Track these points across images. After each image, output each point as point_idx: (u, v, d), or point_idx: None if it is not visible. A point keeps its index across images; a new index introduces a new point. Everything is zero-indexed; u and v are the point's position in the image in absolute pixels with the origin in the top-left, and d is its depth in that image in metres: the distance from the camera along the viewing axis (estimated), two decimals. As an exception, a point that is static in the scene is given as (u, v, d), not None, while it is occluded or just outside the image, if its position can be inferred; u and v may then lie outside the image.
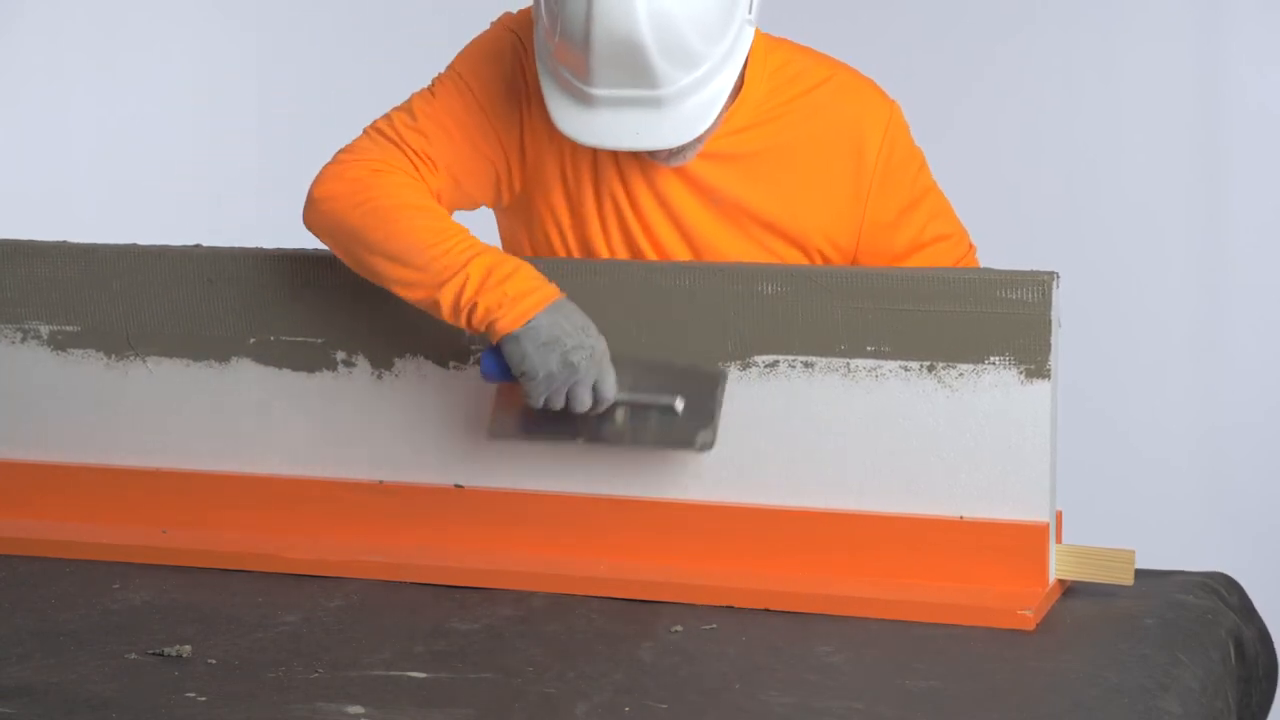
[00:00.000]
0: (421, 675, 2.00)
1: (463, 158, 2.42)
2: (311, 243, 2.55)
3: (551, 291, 2.28)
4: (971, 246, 2.54)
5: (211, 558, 2.39)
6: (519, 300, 2.27)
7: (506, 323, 2.26)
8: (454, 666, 2.03)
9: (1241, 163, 4.11)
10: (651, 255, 2.44)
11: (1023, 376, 2.21)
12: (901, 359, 2.25)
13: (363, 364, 2.41)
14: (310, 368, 2.43)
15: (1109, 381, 4.12)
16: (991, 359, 2.22)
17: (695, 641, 2.11)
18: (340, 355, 2.42)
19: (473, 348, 2.38)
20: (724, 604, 2.23)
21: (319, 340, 2.42)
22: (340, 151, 2.40)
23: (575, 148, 2.43)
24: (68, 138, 4.49)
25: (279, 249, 2.45)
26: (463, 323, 2.29)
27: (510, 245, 2.56)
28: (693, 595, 2.25)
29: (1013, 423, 2.22)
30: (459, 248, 2.30)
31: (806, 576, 2.26)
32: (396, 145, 2.38)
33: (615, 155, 2.43)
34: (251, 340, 2.44)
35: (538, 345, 2.26)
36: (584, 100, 2.31)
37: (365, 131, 2.42)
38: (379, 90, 4.62)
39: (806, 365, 2.28)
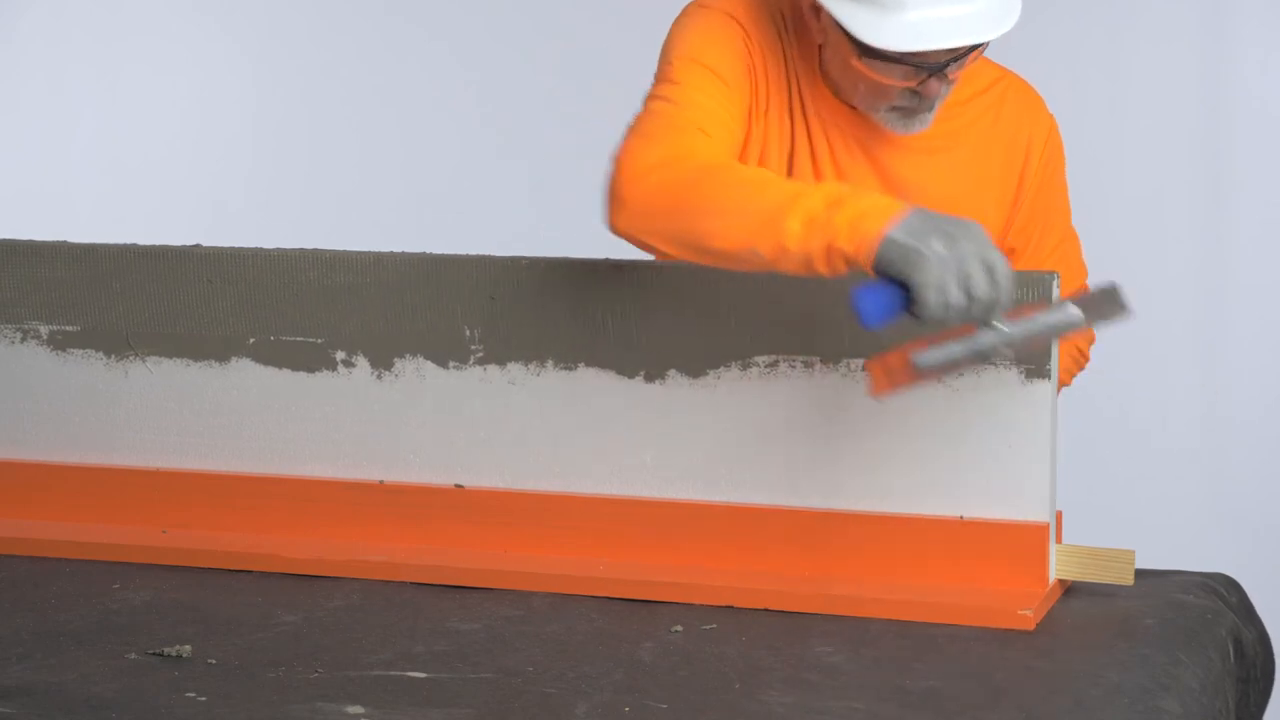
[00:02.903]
0: (421, 675, 2.00)
1: (726, 129, 2.33)
2: (311, 242, 2.55)
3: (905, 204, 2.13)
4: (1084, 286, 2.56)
5: (211, 558, 2.39)
6: (878, 207, 2.09)
7: (875, 223, 2.06)
8: (454, 666, 2.03)
9: (1244, 162, 4.11)
10: None
11: (1023, 376, 2.21)
12: (901, 359, 2.25)
13: (363, 364, 2.41)
14: (310, 368, 2.43)
15: (1109, 381, 4.11)
16: (992, 358, 2.22)
17: (695, 641, 2.11)
18: (340, 355, 2.42)
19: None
20: (724, 604, 2.23)
21: (319, 340, 2.42)
22: (619, 152, 2.25)
23: (773, 130, 2.42)
24: (68, 138, 4.49)
25: (279, 249, 2.45)
26: (818, 246, 2.09)
27: None
28: (693, 595, 2.25)
29: (1013, 423, 2.22)
30: (793, 185, 2.16)
31: (806, 576, 2.26)
32: (674, 126, 2.27)
33: (810, 143, 2.44)
34: (251, 340, 2.44)
35: (915, 234, 2.05)
36: (891, 6, 2.27)
37: (632, 129, 2.28)
38: (377, 92, 4.64)
39: (806, 365, 2.28)
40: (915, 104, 2.39)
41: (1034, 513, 2.22)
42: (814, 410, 2.27)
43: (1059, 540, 2.25)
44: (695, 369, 2.31)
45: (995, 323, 2.09)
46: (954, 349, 2.11)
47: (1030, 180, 2.51)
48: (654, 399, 2.32)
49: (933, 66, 2.33)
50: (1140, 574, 2.27)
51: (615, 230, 2.24)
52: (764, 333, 2.28)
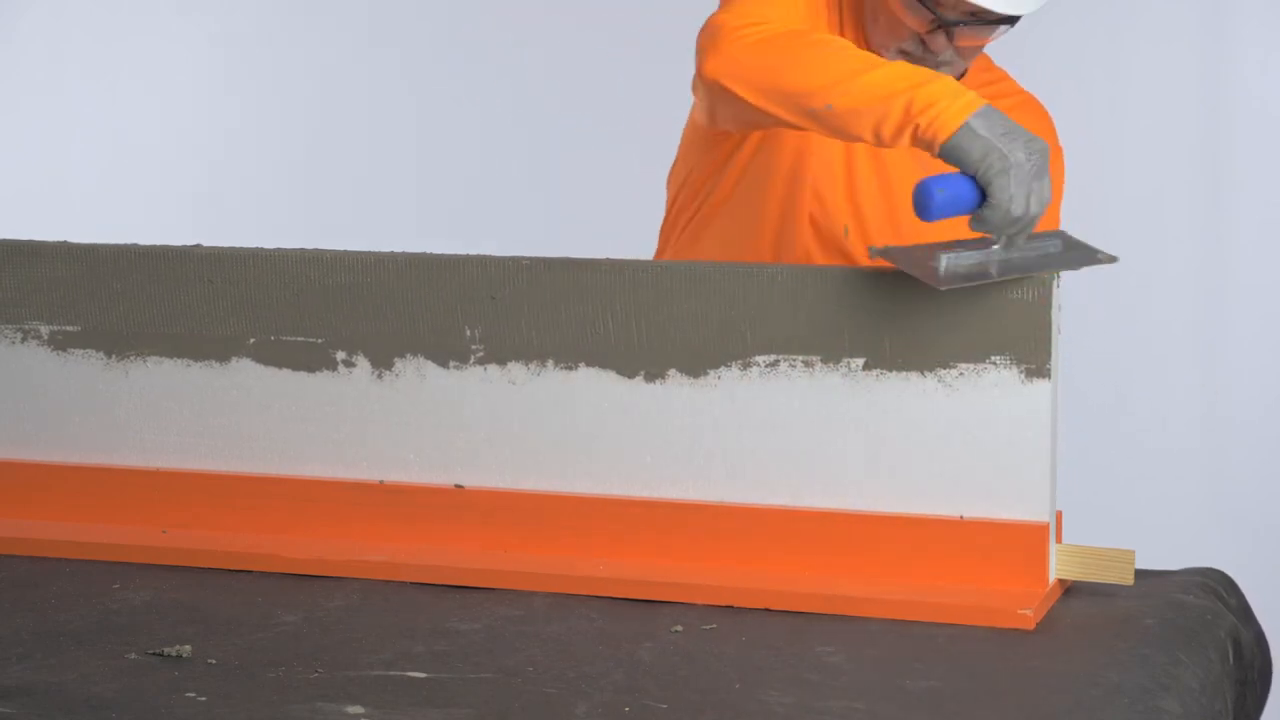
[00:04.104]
0: (421, 675, 2.00)
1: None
2: (311, 242, 2.55)
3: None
4: None
5: (211, 558, 2.39)
6: (961, 93, 2.15)
7: (958, 109, 2.12)
8: (454, 666, 2.03)
9: (1244, 162, 4.11)
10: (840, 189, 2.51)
11: (1023, 376, 2.21)
12: (902, 358, 2.24)
13: (363, 364, 2.41)
14: (310, 368, 2.43)
15: (1110, 381, 4.12)
16: (992, 359, 2.22)
17: (695, 641, 2.11)
18: (340, 355, 2.42)
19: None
20: (724, 604, 2.23)
21: (319, 340, 2.42)
22: (716, 13, 2.35)
23: None
24: (68, 138, 4.50)
25: (279, 249, 2.45)
26: (897, 110, 2.15)
27: (687, 177, 2.61)
28: (693, 595, 2.25)
29: (1013, 423, 2.22)
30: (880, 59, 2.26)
31: (806, 576, 2.26)
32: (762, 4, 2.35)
33: None
34: (251, 340, 2.44)
35: (998, 133, 2.10)
36: None
37: (712, 26, 2.33)
38: (377, 92, 4.64)
39: (806, 365, 2.28)
40: (920, 54, 2.43)
41: (1034, 513, 2.22)
42: (814, 410, 2.27)
43: (1059, 540, 2.25)
44: (695, 369, 2.31)
45: (1016, 239, 2.13)
46: (976, 263, 2.13)
47: None
48: (654, 399, 2.32)
49: (946, 19, 2.37)
50: (1140, 574, 2.27)
51: (705, 74, 2.31)
52: (764, 333, 2.28)
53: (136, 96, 4.52)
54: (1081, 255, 2.20)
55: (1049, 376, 2.21)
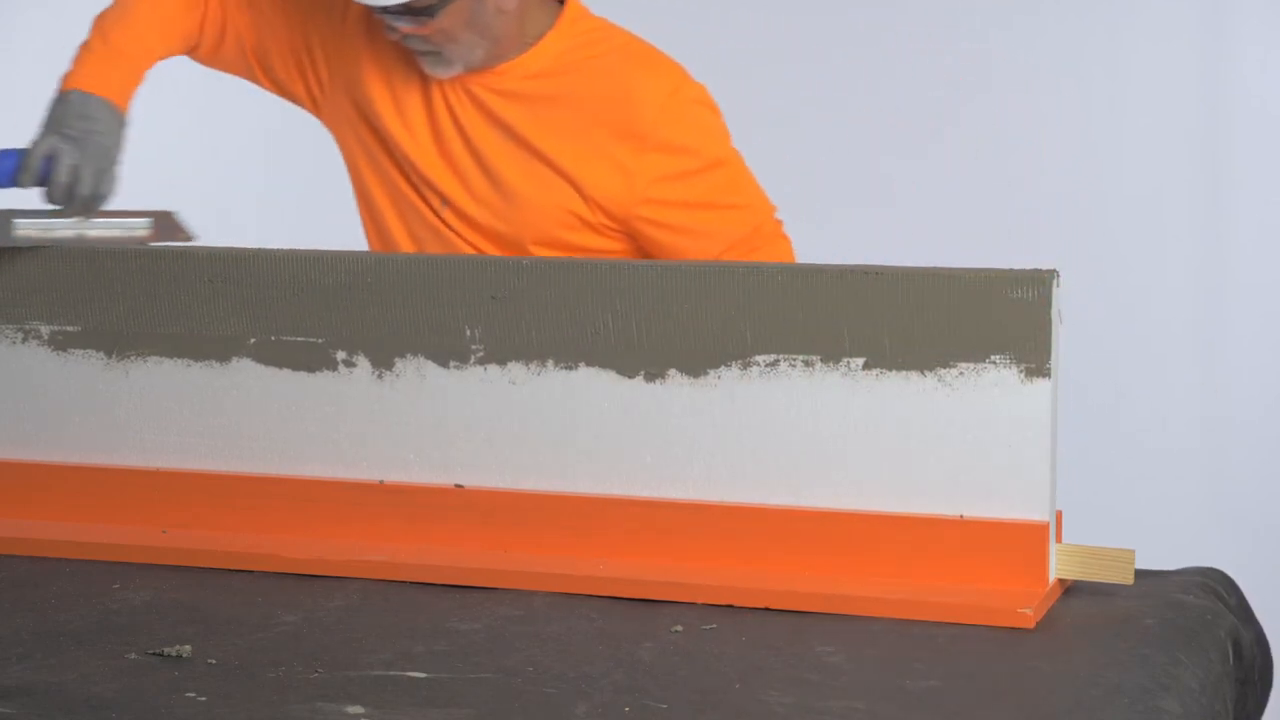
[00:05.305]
0: (421, 675, 2.00)
1: (274, 18, 2.64)
2: (311, 242, 2.55)
3: (124, 93, 2.50)
4: (774, 219, 2.68)
5: (211, 558, 2.39)
6: (100, 71, 2.46)
7: (77, 78, 2.49)
8: (454, 666, 2.03)
9: (1244, 161, 4.11)
10: (443, 176, 2.62)
11: (1023, 375, 2.21)
12: (902, 358, 2.24)
13: (363, 364, 2.41)
14: (310, 368, 2.43)
15: (1110, 380, 4.12)
16: (992, 358, 2.22)
17: (695, 641, 2.11)
18: (340, 355, 2.42)
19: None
20: (724, 604, 2.23)
21: (319, 340, 2.42)
22: None
23: (386, 60, 2.62)
24: (68, 138, 4.47)
25: (279, 249, 2.45)
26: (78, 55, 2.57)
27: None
28: (693, 595, 2.25)
29: (1013, 422, 2.22)
30: (121, 21, 2.56)
31: (806, 576, 2.26)
32: None
33: (426, 96, 2.63)
34: (251, 340, 2.44)
35: (74, 114, 2.47)
36: None
37: None
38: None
39: (807, 365, 2.28)
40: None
41: (1034, 512, 2.22)
42: (814, 410, 2.27)
43: (1059, 540, 2.25)
44: (695, 369, 2.31)
45: (87, 217, 2.47)
46: (47, 231, 2.46)
47: (641, 134, 2.61)
48: (654, 399, 2.32)
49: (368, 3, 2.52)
50: (1140, 574, 2.27)
51: None
52: (764, 333, 2.28)
53: (137, 97, 4.51)
54: (162, 234, 2.50)
55: (1049, 376, 2.21)
